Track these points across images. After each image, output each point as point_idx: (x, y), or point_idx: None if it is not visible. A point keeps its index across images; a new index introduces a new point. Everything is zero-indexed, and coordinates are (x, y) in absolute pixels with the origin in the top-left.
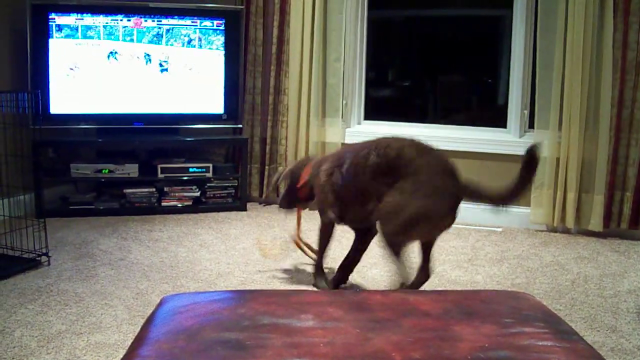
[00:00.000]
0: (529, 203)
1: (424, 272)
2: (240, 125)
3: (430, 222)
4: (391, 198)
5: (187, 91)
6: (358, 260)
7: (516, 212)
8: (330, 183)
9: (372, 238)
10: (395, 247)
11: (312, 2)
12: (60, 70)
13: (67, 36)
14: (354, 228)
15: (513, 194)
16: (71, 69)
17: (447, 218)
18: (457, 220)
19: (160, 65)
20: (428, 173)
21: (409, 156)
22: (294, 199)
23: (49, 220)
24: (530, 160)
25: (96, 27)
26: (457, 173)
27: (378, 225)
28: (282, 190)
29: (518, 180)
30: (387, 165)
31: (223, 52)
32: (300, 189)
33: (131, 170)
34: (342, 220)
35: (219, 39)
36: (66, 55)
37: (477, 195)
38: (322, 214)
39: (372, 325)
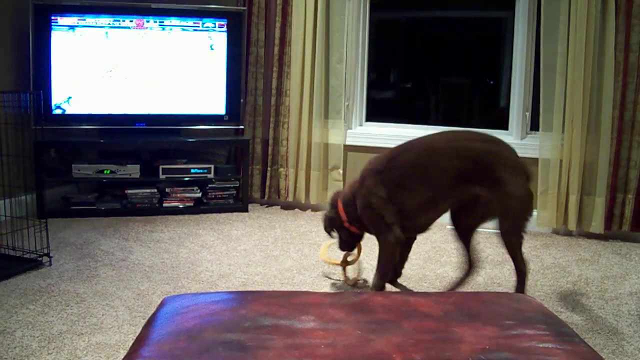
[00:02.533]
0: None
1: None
2: (242, 127)
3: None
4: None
5: (188, 92)
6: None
7: None
8: (387, 202)
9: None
10: (518, 245)
11: (314, 4)
12: (62, 70)
13: (69, 37)
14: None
15: None
16: (74, 69)
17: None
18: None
19: (162, 65)
20: (514, 165)
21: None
22: (350, 238)
23: (50, 221)
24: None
25: (98, 27)
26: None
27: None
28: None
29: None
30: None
31: (225, 53)
32: (349, 225)
33: (133, 171)
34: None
35: (221, 40)
36: (68, 56)
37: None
38: (384, 233)
39: (373, 327)
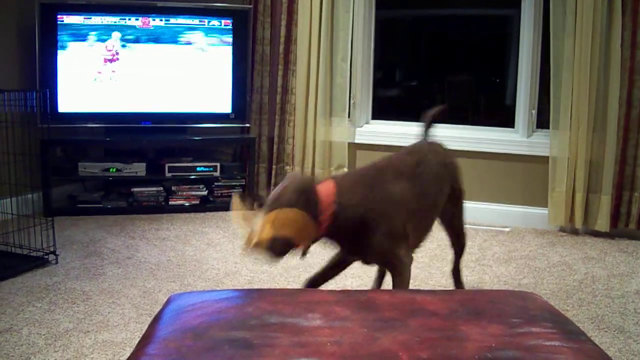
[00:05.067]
0: (537, 203)
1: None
2: (248, 125)
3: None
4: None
5: (194, 90)
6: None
7: (524, 212)
8: (400, 221)
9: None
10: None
11: (320, 2)
12: (69, 69)
13: (75, 35)
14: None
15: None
16: (79, 68)
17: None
18: (465, 219)
19: (168, 64)
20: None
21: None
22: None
23: (56, 219)
24: None
25: (104, 26)
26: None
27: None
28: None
29: None
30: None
31: (231, 51)
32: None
33: (139, 169)
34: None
35: (227, 38)
36: (74, 55)
37: None
38: (399, 255)
39: (379, 325)
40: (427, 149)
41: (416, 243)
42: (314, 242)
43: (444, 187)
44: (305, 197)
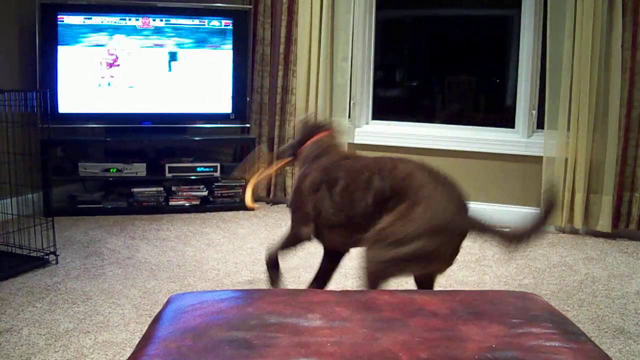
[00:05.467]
0: (536, 204)
1: None
2: (248, 125)
3: (430, 263)
4: (388, 223)
5: (195, 91)
6: (328, 281)
7: (524, 213)
8: (313, 199)
9: (342, 257)
10: (375, 279)
11: (320, 2)
12: (69, 69)
13: (75, 35)
14: (328, 250)
15: (527, 234)
16: (80, 68)
17: (449, 259)
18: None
19: (168, 64)
20: (439, 205)
21: (420, 181)
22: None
23: (57, 219)
24: (548, 203)
25: (104, 26)
26: (468, 206)
27: (364, 250)
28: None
29: (534, 222)
30: (392, 190)
31: (231, 51)
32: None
33: (139, 169)
34: (318, 239)
35: (227, 39)
36: (75, 55)
37: (489, 234)
38: (294, 226)
39: (379, 325)
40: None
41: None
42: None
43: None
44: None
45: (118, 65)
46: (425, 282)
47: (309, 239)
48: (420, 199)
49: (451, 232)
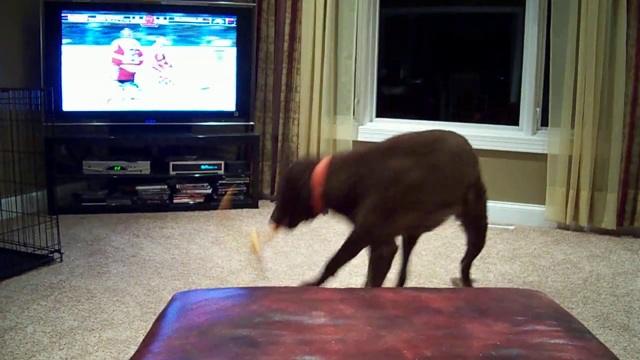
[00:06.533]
0: (542, 201)
1: (402, 276)
2: (252, 123)
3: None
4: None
5: (198, 88)
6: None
7: (528, 210)
8: (404, 187)
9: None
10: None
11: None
12: (73, 67)
13: (79, 33)
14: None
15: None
16: (84, 66)
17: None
18: (488, 218)
19: (172, 62)
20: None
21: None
22: (304, 212)
23: (61, 217)
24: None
25: (108, 24)
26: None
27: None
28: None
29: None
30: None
31: (235, 49)
32: (315, 199)
33: (143, 167)
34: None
35: (231, 36)
36: (79, 53)
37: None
38: (379, 242)
39: (383, 323)
40: (447, 134)
41: (412, 224)
42: (313, 217)
43: (464, 175)
44: (293, 191)
45: (122, 63)
46: (408, 243)
47: (396, 248)
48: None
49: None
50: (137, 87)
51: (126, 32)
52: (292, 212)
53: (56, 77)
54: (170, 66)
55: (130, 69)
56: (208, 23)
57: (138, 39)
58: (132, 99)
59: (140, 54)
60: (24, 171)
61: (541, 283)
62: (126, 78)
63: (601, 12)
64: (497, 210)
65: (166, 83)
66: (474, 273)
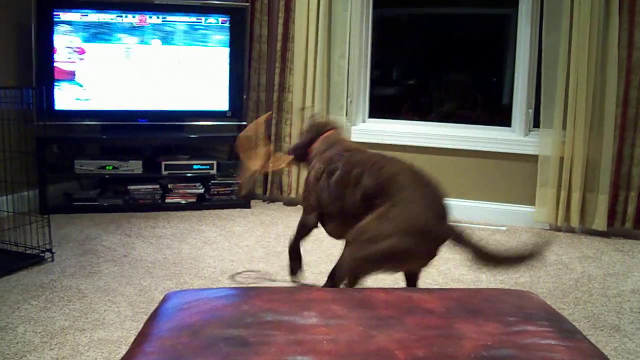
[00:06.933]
0: (533, 202)
1: None
2: (245, 122)
3: (402, 263)
4: (367, 222)
5: (191, 88)
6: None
7: (520, 211)
8: (316, 188)
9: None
10: (352, 275)
11: (317, 0)
12: (64, 66)
13: (71, 32)
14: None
15: (499, 260)
16: (75, 65)
17: (423, 261)
18: (462, 219)
19: (165, 62)
20: (416, 208)
21: (403, 183)
22: (303, 154)
23: (52, 217)
24: (535, 252)
25: (101, 23)
26: (449, 213)
27: (344, 247)
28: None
29: (513, 254)
30: (377, 188)
31: (228, 49)
32: (310, 150)
33: (135, 167)
34: (323, 227)
35: (224, 36)
36: (70, 52)
37: (463, 245)
38: (304, 212)
39: (375, 323)
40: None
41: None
42: (304, 161)
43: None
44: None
45: (114, 62)
46: (408, 279)
47: (314, 226)
48: (399, 200)
49: (425, 235)
50: (129, 86)
51: (119, 31)
52: (303, 151)
53: (48, 75)
54: (163, 65)
55: (122, 67)
56: (201, 22)
57: (131, 38)
58: (124, 98)
59: (132, 53)
60: (15, 170)
61: (533, 284)
62: (118, 77)
63: (593, 14)
64: (489, 211)
65: (158, 82)
66: (465, 274)
